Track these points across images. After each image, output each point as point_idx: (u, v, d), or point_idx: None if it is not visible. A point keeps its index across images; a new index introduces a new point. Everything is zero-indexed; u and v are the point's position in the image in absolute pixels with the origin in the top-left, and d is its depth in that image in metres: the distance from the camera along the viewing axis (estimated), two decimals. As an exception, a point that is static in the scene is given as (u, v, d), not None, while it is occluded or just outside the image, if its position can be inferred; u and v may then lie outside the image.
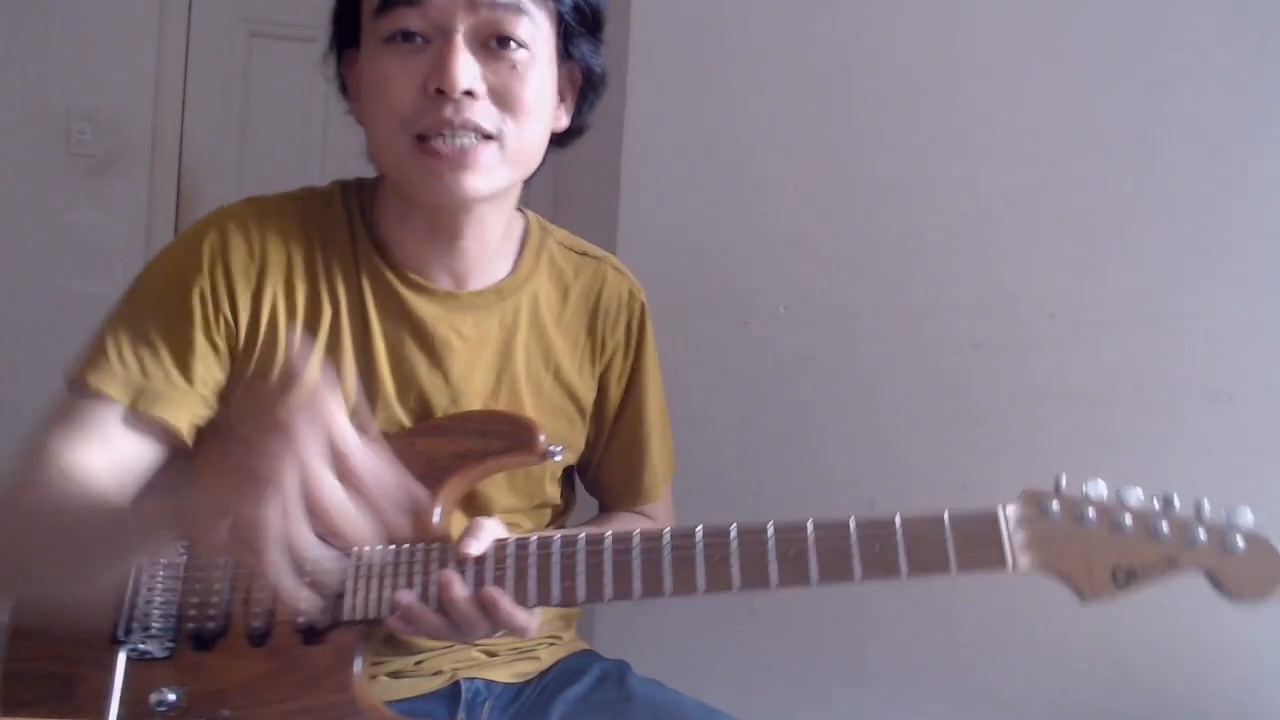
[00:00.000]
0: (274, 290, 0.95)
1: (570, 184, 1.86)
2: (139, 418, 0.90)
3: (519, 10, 0.88)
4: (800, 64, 1.55)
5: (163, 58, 2.37)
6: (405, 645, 0.98)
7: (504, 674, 1.05)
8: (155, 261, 0.96)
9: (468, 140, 0.88)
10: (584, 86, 1.00)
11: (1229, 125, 1.42)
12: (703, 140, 1.58)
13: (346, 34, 0.95)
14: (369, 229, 0.99)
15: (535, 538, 0.88)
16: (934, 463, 1.50)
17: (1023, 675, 1.50)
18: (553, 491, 1.06)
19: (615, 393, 1.08)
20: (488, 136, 0.89)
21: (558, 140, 1.00)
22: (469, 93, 0.87)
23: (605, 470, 1.12)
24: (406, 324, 0.97)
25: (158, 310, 0.92)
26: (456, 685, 1.02)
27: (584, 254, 1.08)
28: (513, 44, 0.89)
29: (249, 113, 2.44)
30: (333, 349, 0.96)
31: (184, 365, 0.92)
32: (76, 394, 0.91)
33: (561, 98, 0.97)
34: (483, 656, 1.04)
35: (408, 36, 0.88)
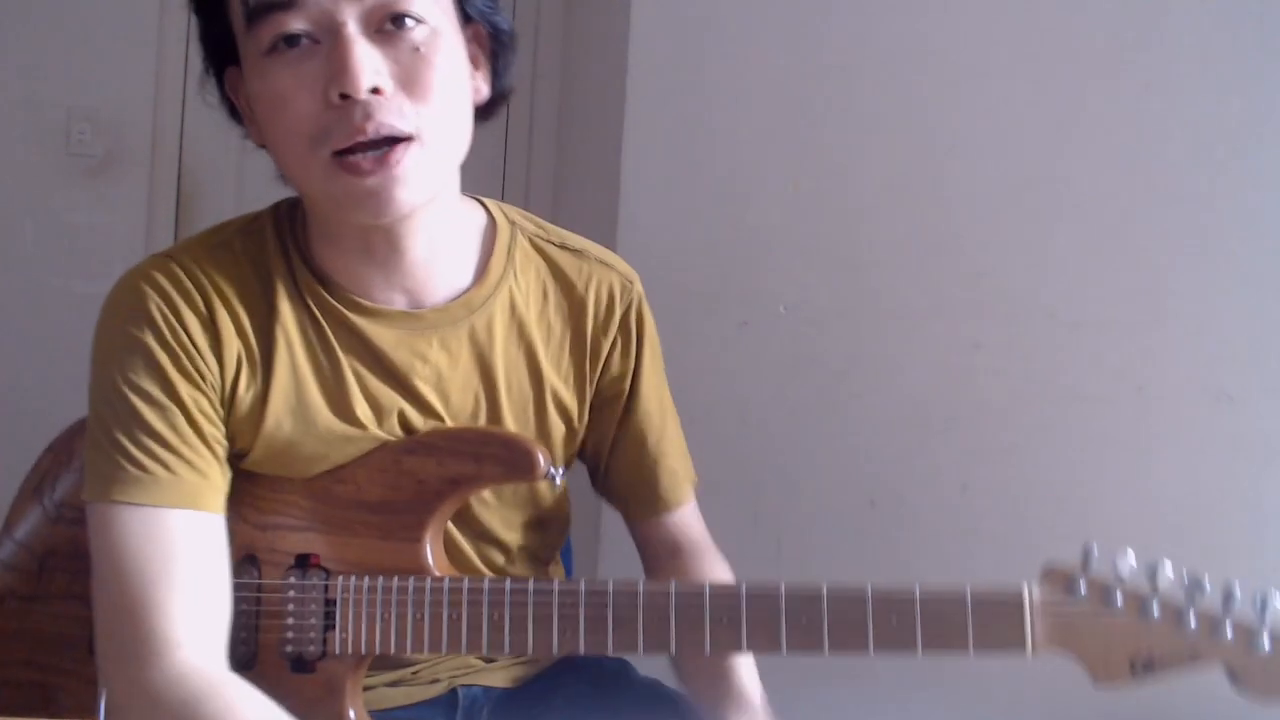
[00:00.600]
0: (230, 338, 0.86)
1: (570, 184, 1.86)
2: (184, 515, 0.82)
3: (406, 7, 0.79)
4: (800, 64, 1.55)
5: (163, 58, 2.36)
6: (400, 659, 0.96)
7: (501, 679, 1.03)
8: (104, 345, 0.87)
9: (386, 147, 0.78)
10: (494, 47, 0.89)
11: (1229, 125, 1.42)
12: (703, 140, 1.58)
13: (220, 53, 0.85)
14: (305, 258, 0.89)
15: (532, 583, 0.86)
16: (934, 463, 1.50)
17: (1022, 674, 1.49)
18: (553, 504, 1.01)
19: (617, 394, 1.00)
20: (407, 138, 0.79)
21: (482, 112, 0.89)
22: (376, 90, 0.77)
23: (616, 474, 1.03)
24: (366, 354, 0.89)
25: (140, 396, 0.83)
26: (454, 692, 1.01)
27: (563, 247, 0.98)
28: (409, 21, 0.79)
29: (249, 113, 2.44)
30: (301, 393, 0.88)
31: (193, 444, 0.84)
32: (113, 512, 0.81)
33: (475, 65, 0.87)
34: (479, 663, 1.02)
35: (291, 41, 0.78)
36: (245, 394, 0.87)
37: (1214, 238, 1.43)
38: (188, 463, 0.83)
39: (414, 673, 0.99)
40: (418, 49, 0.79)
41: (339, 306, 0.88)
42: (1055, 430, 1.46)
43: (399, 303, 0.90)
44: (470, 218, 0.95)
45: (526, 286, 0.95)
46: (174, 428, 0.83)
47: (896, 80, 1.52)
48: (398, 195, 0.80)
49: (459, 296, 0.91)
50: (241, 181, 2.44)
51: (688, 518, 1.05)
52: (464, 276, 0.93)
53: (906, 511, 1.51)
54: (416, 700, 0.98)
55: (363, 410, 0.89)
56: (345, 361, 0.89)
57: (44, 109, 2.30)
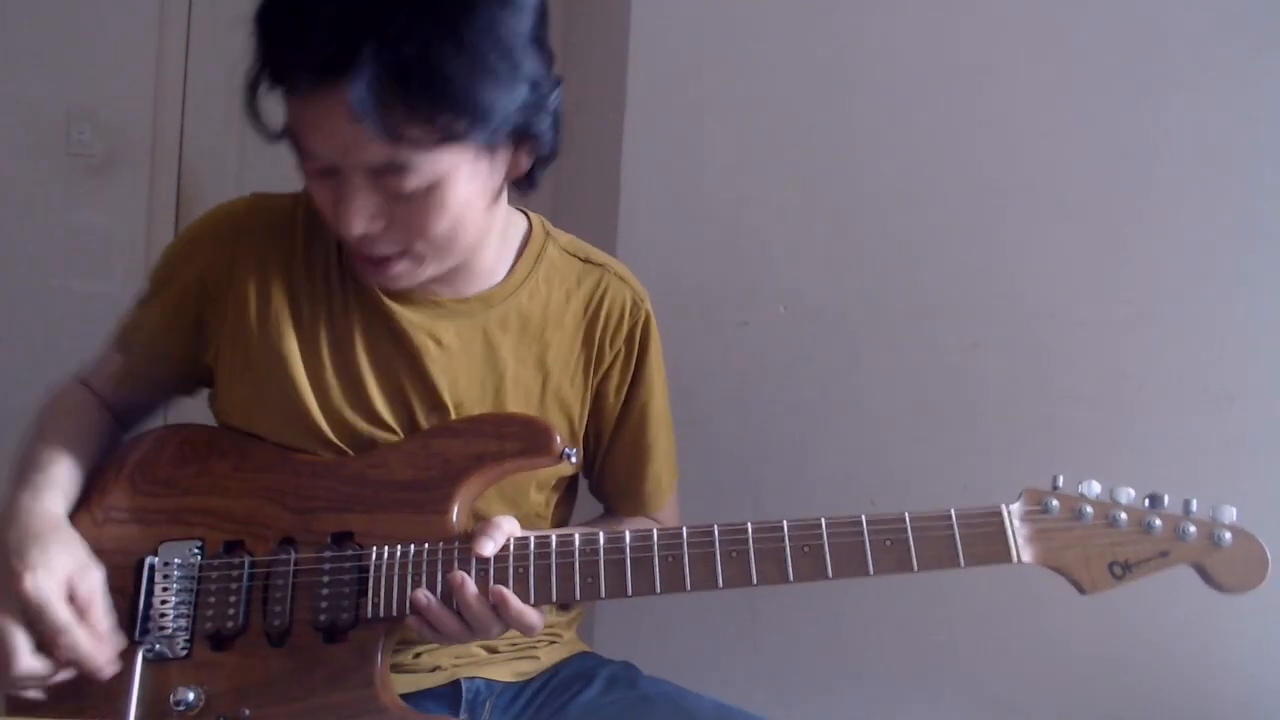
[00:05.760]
0: (246, 286, 0.97)
1: (570, 184, 1.86)
2: (129, 359, 1.04)
3: (400, 169, 0.83)
4: (800, 64, 1.55)
5: (163, 58, 2.37)
6: (404, 640, 0.98)
7: (504, 673, 1.05)
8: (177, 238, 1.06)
9: (378, 255, 0.90)
10: (539, 156, 0.95)
11: (1229, 125, 1.42)
12: (703, 141, 1.58)
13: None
14: None
15: (555, 535, 0.90)
16: (934, 463, 1.50)
17: (1022, 675, 1.50)
18: (536, 499, 1.05)
19: (614, 401, 1.07)
20: (401, 254, 0.90)
21: (520, 182, 0.96)
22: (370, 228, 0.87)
23: (608, 477, 1.12)
24: (386, 329, 0.97)
25: (156, 282, 1.03)
26: (457, 684, 1.02)
27: (587, 260, 1.07)
28: (407, 174, 0.84)
29: (249, 113, 2.44)
30: (311, 347, 0.97)
31: (154, 333, 1.01)
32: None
33: (518, 145, 0.91)
34: (482, 653, 1.04)
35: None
36: (258, 327, 0.97)
37: (1214, 238, 1.43)
38: (150, 327, 1.03)
39: (415, 657, 1.00)
40: (412, 197, 0.85)
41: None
42: (1055, 430, 1.46)
43: (429, 289, 0.98)
44: (512, 229, 1.03)
45: (549, 291, 1.03)
46: (159, 308, 1.02)
47: (897, 80, 1.53)
48: (395, 285, 0.93)
49: (481, 292, 1.00)
50: (242, 182, 2.44)
51: (665, 517, 1.14)
52: (494, 275, 1.01)
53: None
54: (419, 687, 1.00)
55: (370, 379, 0.97)
56: (364, 331, 0.98)
57: (44, 109, 2.30)
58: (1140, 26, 1.44)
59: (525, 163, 0.94)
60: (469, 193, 0.88)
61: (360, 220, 0.85)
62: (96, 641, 0.87)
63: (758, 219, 1.57)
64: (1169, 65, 1.44)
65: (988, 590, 1.45)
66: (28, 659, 0.85)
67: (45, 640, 0.86)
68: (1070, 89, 1.47)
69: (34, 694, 0.88)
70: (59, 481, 0.95)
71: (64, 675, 0.87)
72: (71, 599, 0.87)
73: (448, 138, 0.82)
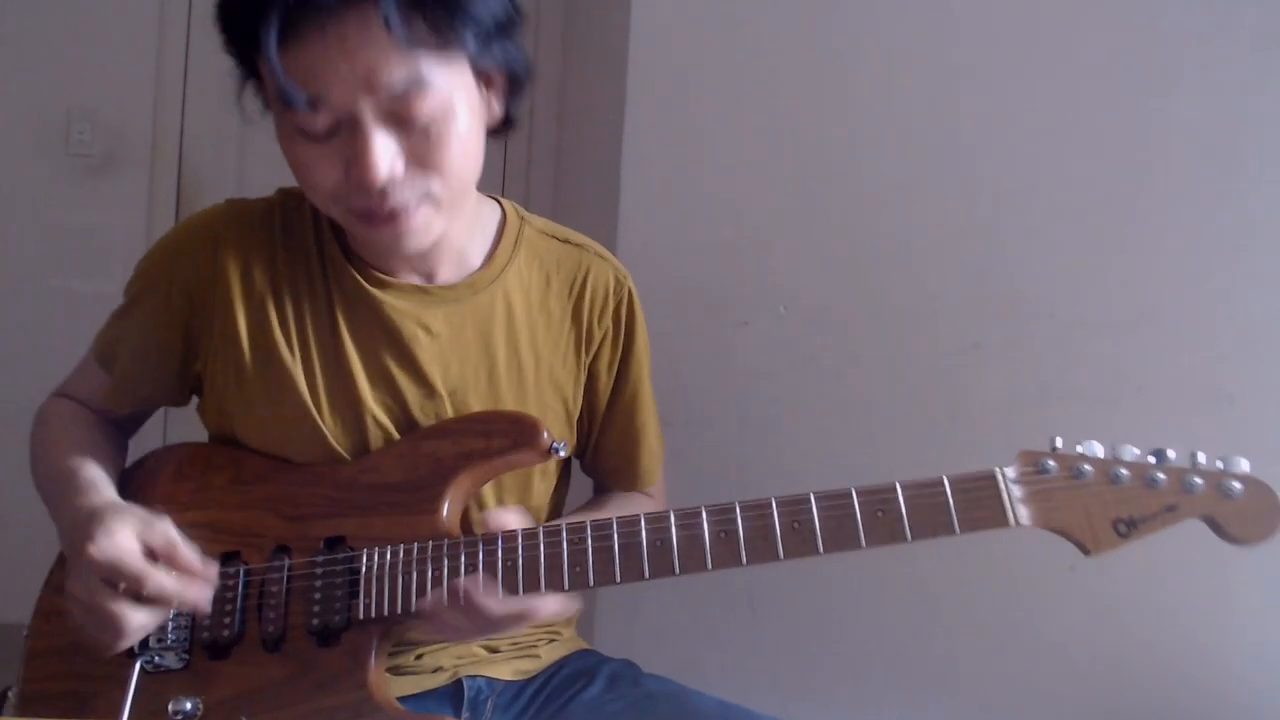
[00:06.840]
0: (231, 291, 0.97)
1: (570, 184, 1.86)
2: (114, 375, 1.04)
3: (421, 86, 0.83)
4: (800, 64, 1.55)
5: (163, 58, 2.37)
6: (405, 641, 0.99)
7: (505, 671, 1.05)
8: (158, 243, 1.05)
9: (400, 205, 0.87)
10: (509, 85, 0.95)
11: (1229, 125, 1.42)
12: (703, 141, 1.58)
13: (252, 72, 0.92)
14: (335, 230, 0.99)
15: (565, 523, 0.90)
16: (934, 463, 1.49)
17: (1023, 675, 1.50)
18: (540, 488, 1.06)
19: (606, 380, 1.08)
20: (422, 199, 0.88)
21: (496, 130, 0.96)
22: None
23: (602, 456, 1.12)
24: (374, 321, 0.98)
25: (134, 294, 1.02)
26: (459, 684, 1.02)
27: (565, 241, 1.07)
28: (421, 103, 0.83)
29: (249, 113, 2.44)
30: (301, 345, 0.97)
31: (140, 346, 1.01)
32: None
33: (489, 87, 0.92)
34: (483, 652, 1.04)
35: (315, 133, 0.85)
36: (247, 331, 0.97)
37: (1214, 238, 1.43)
38: (127, 346, 1.03)
39: (417, 658, 1.00)
40: (428, 129, 0.85)
41: (356, 274, 0.98)
42: (1055, 431, 1.46)
43: (413, 278, 0.99)
44: (485, 214, 1.04)
45: (530, 274, 1.03)
46: (136, 327, 1.02)
47: (897, 80, 1.52)
48: (408, 244, 0.91)
49: (465, 278, 1.00)
50: (241, 181, 2.44)
51: (658, 494, 1.15)
52: (474, 261, 1.02)
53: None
54: (422, 689, 1.00)
55: (359, 374, 0.97)
56: (350, 327, 0.97)
57: (44, 109, 2.30)
58: (1140, 26, 1.44)
59: (497, 108, 0.94)
60: (471, 122, 0.88)
61: (384, 163, 0.84)
62: (181, 578, 0.86)
63: (758, 219, 1.57)
64: (1169, 65, 1.44)
65: (989, 590, 1.45)
66: (136, 616, 0.84)
67: (135, 597, 0.85)
68: (1070, 89, 1.47)
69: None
70: (96, 480, 0.95)
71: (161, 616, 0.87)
72: (151, 557, 0.86)
73: (455, 43, 0.84)
